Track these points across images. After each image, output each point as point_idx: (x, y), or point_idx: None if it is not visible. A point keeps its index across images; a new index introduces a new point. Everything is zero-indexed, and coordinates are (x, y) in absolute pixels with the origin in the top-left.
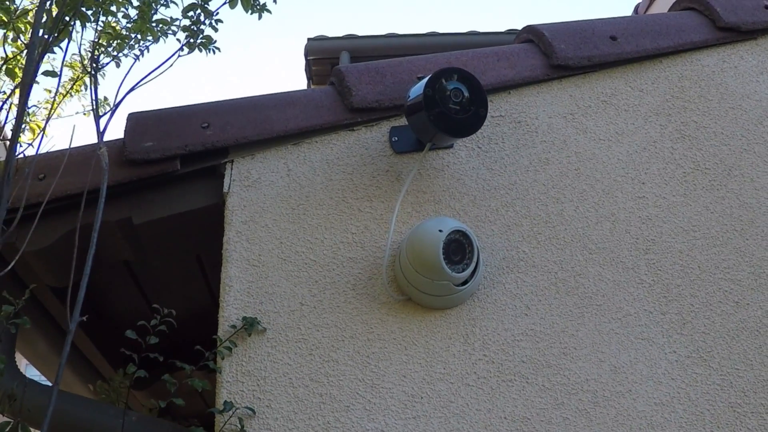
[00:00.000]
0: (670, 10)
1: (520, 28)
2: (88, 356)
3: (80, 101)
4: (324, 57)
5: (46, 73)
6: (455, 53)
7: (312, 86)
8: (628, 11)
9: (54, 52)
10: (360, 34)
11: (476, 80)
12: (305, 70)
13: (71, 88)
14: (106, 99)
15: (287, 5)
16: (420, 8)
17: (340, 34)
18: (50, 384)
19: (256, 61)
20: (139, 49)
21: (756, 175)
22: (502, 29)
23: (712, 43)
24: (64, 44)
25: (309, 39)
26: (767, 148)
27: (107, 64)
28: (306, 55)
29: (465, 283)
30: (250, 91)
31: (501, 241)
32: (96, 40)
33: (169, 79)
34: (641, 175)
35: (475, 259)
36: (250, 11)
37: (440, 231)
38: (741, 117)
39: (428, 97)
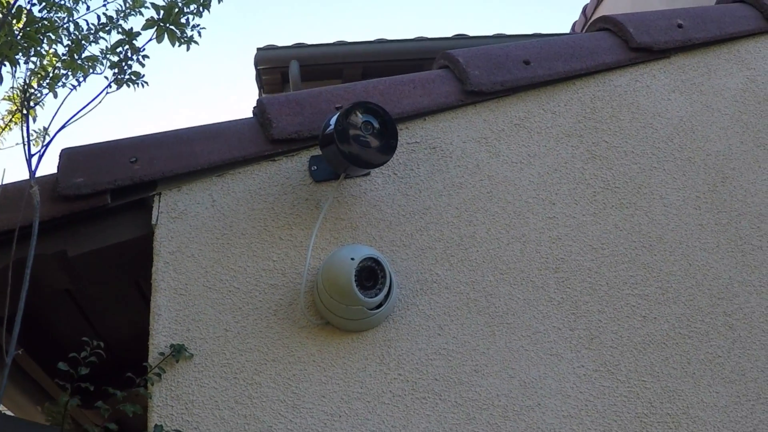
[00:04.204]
0: (586, 30)
1: (469, 33)
2: (36, 378)
3: (21, 131)
4: (274, 66)
5: None
6: (373, 82)
7: (263, 95)
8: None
9: None
10: (309, 43)
11: (386, 113)
12: (256, 79)
13: (9, 121)
14: (45, 129)
15: (237, 17)
16: (369, 15)
17: (290, 43)
18: None
19: (206, 73)
20: (76, 80)
21: (665, 192)
22: (449, 34)
23: (625, 64)
24: None
25: (258, 49)
26: (677, 165)
27: (45, 96)
28: (256, 65)
29: (379, 306)
30: (200, 108)
31: (415, 264)
32: (27, 81)
33: (107, 107)
34: (552, 195)
35: (387, 284)
36: (177, 44)
37: (352, 259)
38: (652, 135)
39: (339, 131)
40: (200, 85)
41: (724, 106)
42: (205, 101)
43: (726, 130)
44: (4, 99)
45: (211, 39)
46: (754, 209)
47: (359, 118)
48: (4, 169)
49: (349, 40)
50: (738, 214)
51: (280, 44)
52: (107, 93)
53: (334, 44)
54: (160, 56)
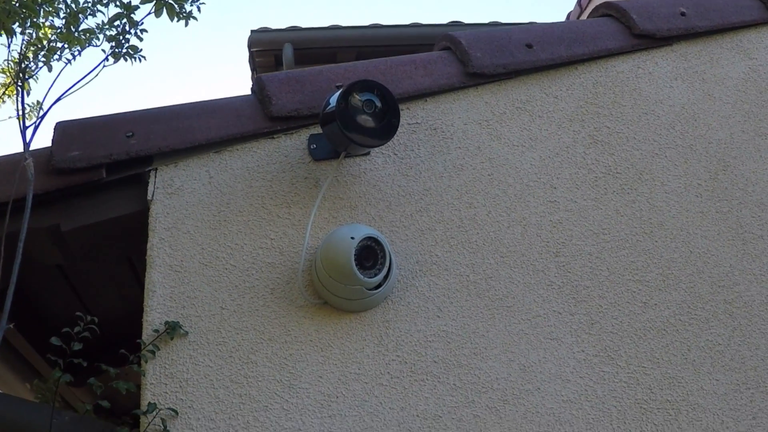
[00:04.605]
0: (588, 16)
1: (465, 20)
2: (25, 356)
3: (14, 105)
4: (268, 49)
5: None
6: (374, 61)
7: (251, 88)
8: None
9: None
10: (303, 26)
11: (388, 91)
12: (249, 61)
13: (3, 93)
14: (39, 103)
15: None
16: (365, 1)
17: (284, 26)
18: None
19: (200, 54)
20: (71, 54)
21: (667, 179)
22: (444, 21)
23: (628, 50)
24: None
25: (252, 31)
26: (678, 153)
27: (39, 69)
28: (250, 47)
29: (378, 287)
30: (193, 89)
31: (415, 245)
32: (22, 52)
33: (103, 83)
34: (553, 180)
35: (387, 264)
36: (176, 19)
37: (352, 238)
38: (654, 122)
39: (341, 109)
40: (193, 67)
41: (726, 95)
42: (198, 83)
43: (727, 119)
44: None
45: (205, 19)
46: (755, 198)
47: (361, 96)
48: None
49: (344, 25)
50: (739, 202)
51: (274, 27)
52: (104, 66)
53: (328, 28)
54: (153, 37)
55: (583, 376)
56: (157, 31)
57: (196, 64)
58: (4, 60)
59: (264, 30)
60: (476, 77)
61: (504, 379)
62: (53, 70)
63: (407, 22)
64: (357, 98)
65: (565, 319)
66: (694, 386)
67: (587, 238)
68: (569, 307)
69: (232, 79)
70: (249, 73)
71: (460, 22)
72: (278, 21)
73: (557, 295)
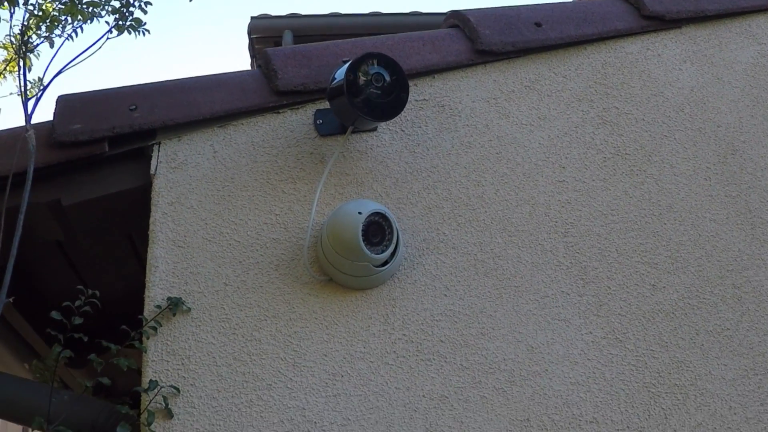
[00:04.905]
0: None
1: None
2: (23, 335)
3: (15, 81)
4: (267, 36)
5: None
6: (381, 38)
7: (256, 65)
8: None
9: None
10: (303, 14)
11: (398, 65)
12: (248, 48)
13: (4, 69)
14: (40, 79)
15: None
16: None
17: (284, 13)
18: None
19: (199, 40)
20: (72, 29)
21: (675, 161)
22: (444, 10)
23: (637, 31)
24: None
25: (252, 18)
26: (687, 135)
27: (40, 43)
28: (249, 33)
29: (385, 264)
30: (192, 72)
31: (422, 222)
32: (26, 23)
33: (105, 61)
34: (562, 159)
35: (394, 241)
36: None
37: (360, 213)
38: (663, 104)
39: (349, 82)
40: (192, 56)
41: (735, 79)
42: (198, 67)
43: (736, 103)
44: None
45: (206, 6)
46: (763, 183)
47: (371, 69)
48: (0, 109)
49: (344, 12)
50: (748, 187)
51: (274, 14)
52: (108, 39)
53: (328, 16)
54: (152, 21)
55: (591, 359)
56: (157, 25)
57: (195, 54)
58: (6, 35)
59: (264, 17)
60: (485, 54)
61: (511, 360)
62: (54, 45)
63: (407, 11)
64: (366, 71)
65: (573, 300)
66: (702, 371)
67: (596, 219)
68: (577, 288)
69: (231, 65)
70: (249, 60)
71: (459, 11)
72: (278, 8)
73: (565, 276)
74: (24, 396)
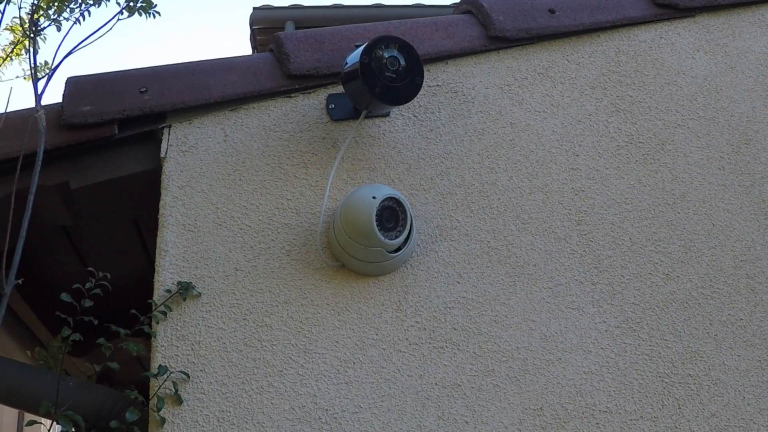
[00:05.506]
0: None
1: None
2: (26, 322)
3: (21, 65)
4: (269, 26)
5: None
6: (394, 23)
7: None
8: None
9: None
10: (305, 5)
11: (413, 49)
12: (250, 39)
13: (11, 51)
14: (47, 63)
15: None
16: None
17: (286, 4)
18: None
19: (202, 29)
20: (80, 12)
21: (689, 150)
22: (447, 2)
23: (650, 19)
24: (1, 6)
25: (254, 8)
26: (701, 124)
27: (47, 26)
28: (251, 24)
29: (398, 250)
30: (195, 58)
31: (435, 209)
32: (36, 2)
33: (113, 45)
34: (575, 147)
35: (408, 227)
36: None
37: (374, 198)
38: (676, 93)
39: (364, 65)
40: (193, 47)
41: (748, 69)
42: (199, 57)
43: (750, 93)
44: (6, 29)
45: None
46: None
47: (385, 52)
48: (11, 89)
49: (346, 4)
50: (761, 176)
51: (276, 5)
52: (118, 20)
53: (330, 7)
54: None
55: (605, 348)
56: (162, 12)
57: (198, 43)
58: (13, 18)
59: (266, 8)
60: (498, 41)
61: (525, 349)
62: (62, 29)
63: (410, 2)
64: (381, 55)
65: (586, 288)
66: (715, 361)
67: (609, 207)
68: (591, 276)
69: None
70: (250, 51)
71: None
72: None
73: (579, 264)
74: (29, 382)
